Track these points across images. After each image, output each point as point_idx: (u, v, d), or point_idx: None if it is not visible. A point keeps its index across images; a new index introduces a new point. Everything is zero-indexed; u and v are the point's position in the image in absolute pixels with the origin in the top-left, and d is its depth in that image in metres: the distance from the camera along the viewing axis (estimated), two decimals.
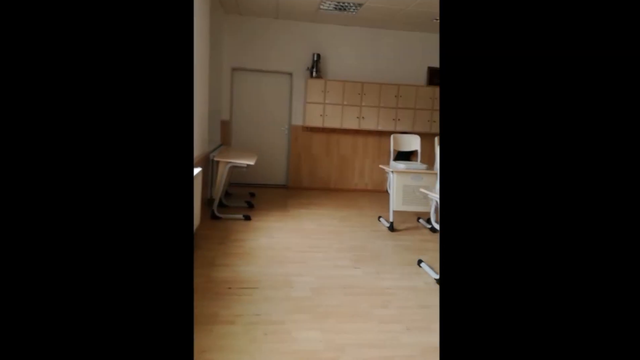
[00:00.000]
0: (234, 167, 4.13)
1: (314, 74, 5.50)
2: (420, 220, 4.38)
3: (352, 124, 5.59)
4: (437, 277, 2.74)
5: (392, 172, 3.91)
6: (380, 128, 5.66)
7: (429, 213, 4.18)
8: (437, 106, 5.69)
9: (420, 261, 3.07)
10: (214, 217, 3.95)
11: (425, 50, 5.84)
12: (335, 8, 4.78)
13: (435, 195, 2.83)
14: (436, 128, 5.73)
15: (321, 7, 4.76)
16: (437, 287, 2.65)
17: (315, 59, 5.49)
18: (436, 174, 3.92)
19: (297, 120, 5.73)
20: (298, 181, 5.86)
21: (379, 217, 4.40)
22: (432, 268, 2.93)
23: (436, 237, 3.80)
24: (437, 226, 3.09)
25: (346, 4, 4.61)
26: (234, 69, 5.57)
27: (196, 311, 2.11)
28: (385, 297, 2.47)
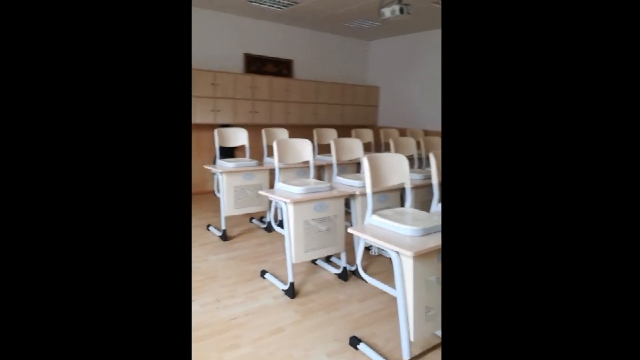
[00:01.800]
0: None
1: None
2: (254, 221, 4.07)
3: None
4: (285, 287, 2.49)
5: (221, 172, 3.41)
6: (198, 121, 4.96)
7: (262, 212, 3.91)
8: (257, 96, 5.42)
9: (264, 272, 2.75)
10: None
11: (241, 35, 5.44)
12: None
13: (275, 197, 2.54)
14: (259, 119, 5.48)
15: None
16: (287, 299, 2.40)
17: None
18: (267, 170, 3.65)
19: None
20: None
21: (208, 225, 3.83)
22: (277, 277, 2.66)
23: (273, 238, 3.57)
24: (274, 225, 2.84)
25: None
26: None
27: None
28: (234, 331, 2.03)
